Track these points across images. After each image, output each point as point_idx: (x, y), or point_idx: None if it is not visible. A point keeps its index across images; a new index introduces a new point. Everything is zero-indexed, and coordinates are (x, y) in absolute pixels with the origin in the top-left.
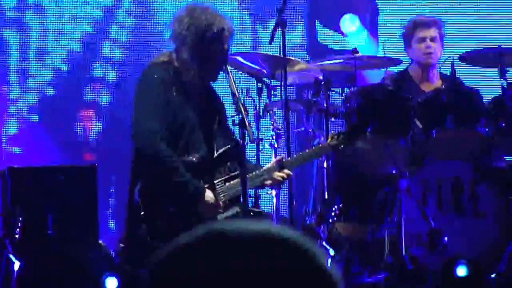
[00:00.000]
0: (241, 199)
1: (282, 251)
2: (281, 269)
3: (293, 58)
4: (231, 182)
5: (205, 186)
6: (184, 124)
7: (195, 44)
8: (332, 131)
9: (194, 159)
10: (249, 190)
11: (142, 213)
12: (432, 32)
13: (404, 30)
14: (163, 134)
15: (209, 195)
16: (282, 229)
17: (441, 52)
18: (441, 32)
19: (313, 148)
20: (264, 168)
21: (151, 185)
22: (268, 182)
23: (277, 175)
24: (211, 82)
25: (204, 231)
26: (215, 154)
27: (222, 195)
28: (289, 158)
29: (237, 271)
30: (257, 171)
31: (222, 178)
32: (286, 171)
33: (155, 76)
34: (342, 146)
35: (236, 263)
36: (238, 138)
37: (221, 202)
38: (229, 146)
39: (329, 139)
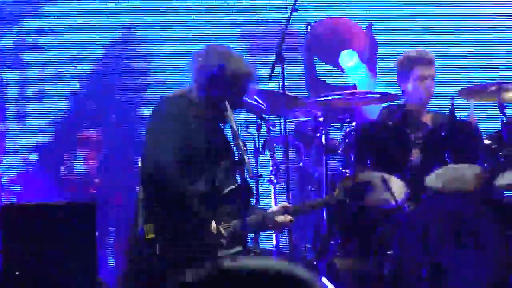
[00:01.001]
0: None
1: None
2: None
3: (292, 94)
4: (236, 221)
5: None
6: (192, 149)
7: (205, 86)
8: (338, 187)
9: (204, 191)
10: (252, 231)
11: (147, 237)
12: (432, 71)
13: (401, 63)
14: (176, 164)
15: (214, 226)
16: (287, 266)
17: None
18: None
19: (319, 200)
20: (268, 211)
21: (160, 214)
22: (270, 225)
23: (280, 219)
24: (222, 122)
25: (211, 268)
26: (225, 191)
27: (227, 232)
28: (294, 205)
29: None
30: (261, 213)
31: (229, 215)
32: (289, 217)
33: (169, 108)
34: (348, 201)
35: None
36: (245, 178)
37: (225, 235)
38: (238, 184)
39: (336, 193)
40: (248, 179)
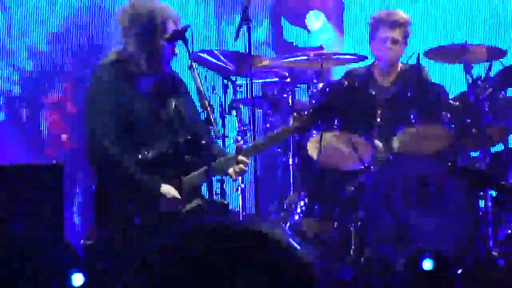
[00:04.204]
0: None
1: (262, 245)
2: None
3: (258, 55)
4: (190, 175)
5: (166, 179)
6: (137, 121)
7: (139, 36)
8: (295, 113)
9: (150, 154)
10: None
11: (98, 211)
12: (396, 33)
13: (369, 24)
14: (115, 136)
15: (166, 190)
16: (264, 226)
17: (403, 50)
18: (406, 31)
19: (276, 131)
20: (225, 158)
21: (106, 186)
22: (230, 170)
23: (235, 168)
24: (162, 72)
25: (189, 226)
26: (173, 147)
27: (181, 189)
28: (247, 147)
29: (221, 261)
30: (220, 159)
31: (182, 172)
32: (242, 158)
33: (104, 78)
34: (305, 127)
35: (219, 253)
36: (202, 128)
37: (178, 196)
38: (187, 138)
39: (292, 121)
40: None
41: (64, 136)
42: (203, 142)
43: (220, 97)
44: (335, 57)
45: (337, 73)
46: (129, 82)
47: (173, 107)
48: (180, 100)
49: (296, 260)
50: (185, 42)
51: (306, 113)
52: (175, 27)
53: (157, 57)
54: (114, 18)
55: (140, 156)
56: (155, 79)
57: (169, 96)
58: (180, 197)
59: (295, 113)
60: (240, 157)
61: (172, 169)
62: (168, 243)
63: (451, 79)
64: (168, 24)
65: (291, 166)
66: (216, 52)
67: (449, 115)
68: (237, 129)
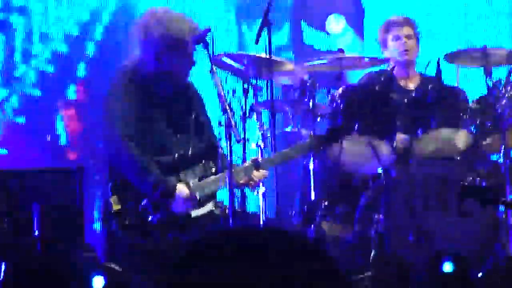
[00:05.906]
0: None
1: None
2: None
3: (279, 59)
4: (205, 180)
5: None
6: (153, 128)
7: (156, 51)
8: (311, 132)
9: (167, 159)
10: (223, 188)
11: (113, 210)
12: (406, 30)
13: (379, 33)
14: (133, 137)
15: (182, 190)
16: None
17: (418, 49)
18: (415, 31)
19: (291, 147)
20: (241, 167)
21: (123, 184)
22: (243, 181)
23: (255, 175)
24: (181, 83)
25: (217, 233)
26: (189, 153)
27: (196, 192)
28: (266, 157)
29: (255, 267)
30: (236, 168)
31: (197, 176)
32: (262, 171)
33: (122, 83)
34: (320, 147)
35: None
36: (215, 138)
37: (194, 196)
38: (203, 145)
39: (308, 140)
40: (214, 140)
41: (80, 136)
42: (219, 150)
43: (240, 101)
44: (354, 60)
45: (356, 77)
46: (146, 89)
47: (193, 117)
48: (198, 111)
49: (321, 257)
50: (206, 45)
51: (321, 135)
52: (191, 37)
53: (175, 71)
54: (130, 31)
55: (158, 159)
56: (174, 88)
57: (188, 106)
58: (195, 197)
59: (311, 133)
60: (256, 172)
61: (188, 173)
62: (191, 249)
63: (472, 83)
64: (184, 40)
65: (311, 170)
66: (237, 55)
67: (469, 119)
68: (258, 133)
